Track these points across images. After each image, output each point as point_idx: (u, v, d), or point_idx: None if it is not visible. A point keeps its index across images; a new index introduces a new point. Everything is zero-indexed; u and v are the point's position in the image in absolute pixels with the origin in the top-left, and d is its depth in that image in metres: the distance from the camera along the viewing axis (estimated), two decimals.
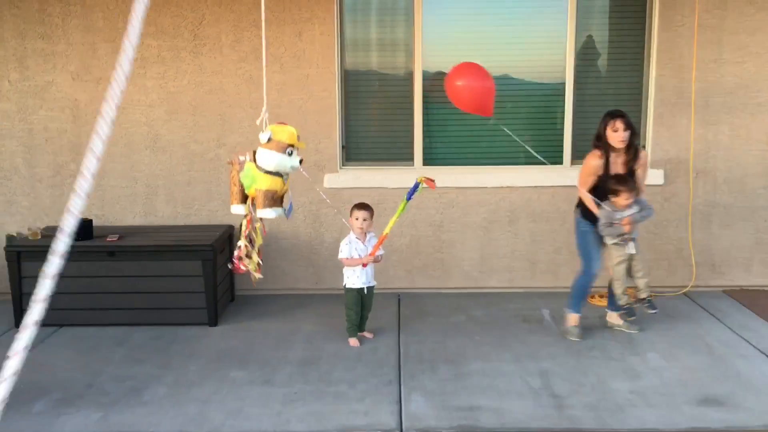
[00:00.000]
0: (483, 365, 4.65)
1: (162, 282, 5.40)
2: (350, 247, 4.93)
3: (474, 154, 6.24)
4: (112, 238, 5.46)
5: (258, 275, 3.61)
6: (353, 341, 5.01)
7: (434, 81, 6.11)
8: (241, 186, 3.49)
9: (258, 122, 3.45)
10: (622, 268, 5.03)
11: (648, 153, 6.10)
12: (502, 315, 5.66)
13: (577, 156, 6.16)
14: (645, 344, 4.98)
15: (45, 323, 5.43)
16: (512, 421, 3.89)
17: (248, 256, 3.51)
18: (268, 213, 3.35)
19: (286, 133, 3.29)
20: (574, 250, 6.18)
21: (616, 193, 4.83)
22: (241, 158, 3.46)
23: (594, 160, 4.91)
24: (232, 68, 5.95)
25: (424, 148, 6.18)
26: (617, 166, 4.91)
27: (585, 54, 6.13)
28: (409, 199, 4.76)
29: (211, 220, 6.12)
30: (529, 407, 4.05)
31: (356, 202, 5.12)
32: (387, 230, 4.80)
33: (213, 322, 5.44)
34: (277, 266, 6.21)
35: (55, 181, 6.06)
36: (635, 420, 3.88)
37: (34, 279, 5.39)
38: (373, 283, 5.05)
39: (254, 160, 3.43)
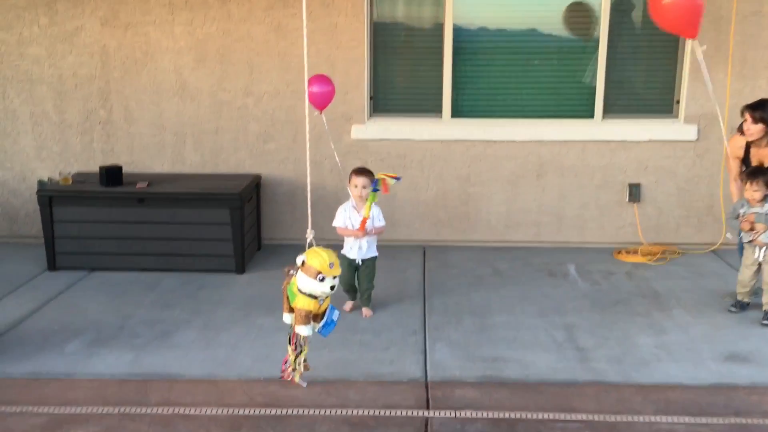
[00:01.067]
0: (508, 318, 4.68)
1: (190, 229, 5.46)
2: (345, 216, 4.66)
3: (503, 106, 6.16)
4: (141, 185, 5.51)
5: (302, 384, 3.62)
6: (346, 305, 4.81)
7: (465, 32, 6.00)
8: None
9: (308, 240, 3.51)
10: (749, 272, 4.64)
11: (682, 108, 5.97)
12: (527, 269, 5.66)
13: (609, 110, 6.06)
14: (671, 300, 4.95)
15: (76, 267, 5.56)
16: (536, 372, 3.92)
17: (296, 360, 3.57)
18: (302, 330, 3.42)
19: (317, 260, 3.28)
20: (602, 205, 6.16)
21: (744, 182, 4.54)
22: (291, 272, 3.47)
23: (732, 141, 4.76)
24: (260, 15, 5.89)
25: (453, 100, 6.10)
26: (756, 158, 4.67)
27: (620, 5, 5.96)
28: (374, 191, 4.56)
29: (239, 169, 6.14)
30: (553, 359, 4.07)
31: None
32: (366, 213, 4.54)
33: (240, 269, 5.50)
34: (304, 216, 6.23)
35: (85, 128, 6.10)
36: (660, 374, 3.90)
37: (65, 223, 5.54)
38: (369, 255, 4.70)
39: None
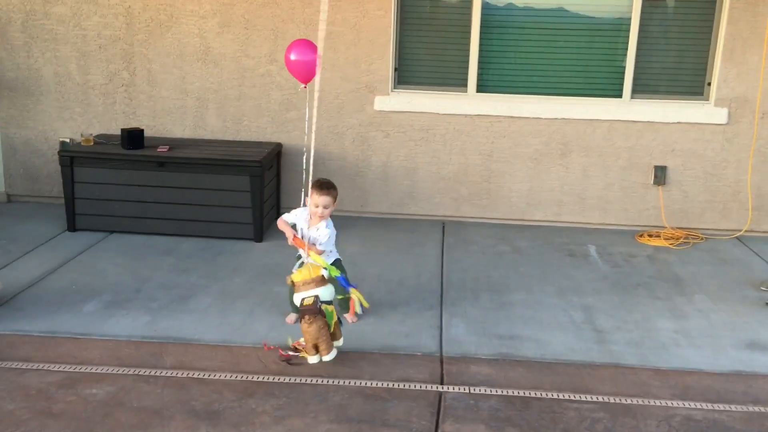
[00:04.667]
0: (526, 296, 4.63)
1: (210, 195, 5.45)
2: (295, 218, 3.95)
3: (529, 82, 6.05)
4: (162, 149, 5.50)
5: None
6: (289, 317, 4.17)
7: (493, 7, 5.88)
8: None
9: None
10: None
11: (713, 90, 5.85)
12: (547, 248, 5.60)
13: (638, 90, 5.94)
14: (693, 286, 4.88)
15: (96, 229, 5.60)
16: (553, 352, 3.88)
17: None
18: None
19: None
20: (626, 186, 6.06)
21: None
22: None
23: None
24: None
25: (479, 75, 6.00)
26: None
27: None
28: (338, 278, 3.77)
29: (260, 137, 6.11)
30: (571, 340, 4.03)
31: (319, 180, 3.97)
32: (321, 263, 3.74)
33: (258, 237, 5.49)
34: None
35: (108, 89, 6.08)
36: (678, 359, 3.84)
37: (85, 184, 5.54)
38: (330, 260, 4.00)
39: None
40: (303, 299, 3.60)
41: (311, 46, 4.29)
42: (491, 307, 4.46)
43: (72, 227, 5.52)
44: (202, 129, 6.13)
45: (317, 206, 3.90)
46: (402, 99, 6.00)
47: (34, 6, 5.93)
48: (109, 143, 5.64)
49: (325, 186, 3.95)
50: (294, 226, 3.93)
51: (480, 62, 5.98)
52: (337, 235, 4.11)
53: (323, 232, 3.95)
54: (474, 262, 5.25)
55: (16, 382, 3.40)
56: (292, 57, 4.31)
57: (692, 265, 5.27)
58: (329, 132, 6.04)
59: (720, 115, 5.83)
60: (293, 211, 4.01)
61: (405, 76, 6.10)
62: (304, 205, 3.99)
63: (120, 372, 3.52)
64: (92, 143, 5.59)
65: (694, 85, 5.96)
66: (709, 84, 5.90)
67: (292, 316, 4.17)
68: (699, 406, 3.39)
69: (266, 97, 6.04)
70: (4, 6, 5.93)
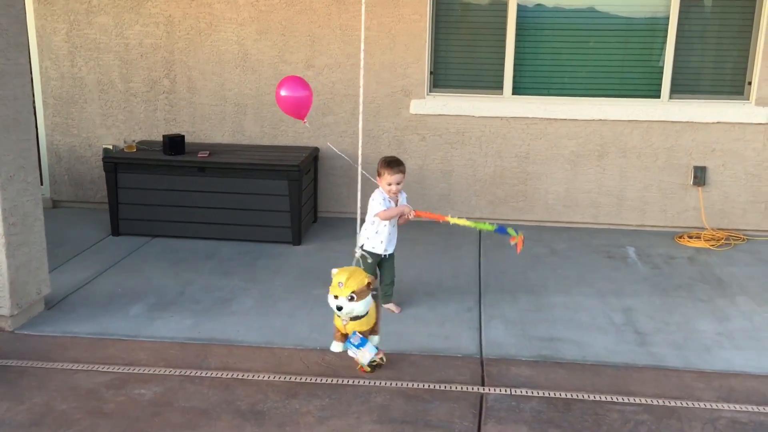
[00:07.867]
0: (564, 298, 4.62)
1: (249, 199, 5.53)
2: (386, 202, 4.18)
3: (565, 84, 6.03)
4: (203, 155, 5.60)
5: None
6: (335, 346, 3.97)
7: (528, 9, 5.88)
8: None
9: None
10: None
11: (754, 89, 5.77)
12: (585, 250, 5.57)
13: (676, 90, 5.88)
14: (735, 287, 4.82)
15: (139, 233, 5.70)
16: (593, 354, 3.87)
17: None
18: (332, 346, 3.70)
19: (334, 278, 3.49)
20: (665, 188, 6.01)
21: None
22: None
23: None
24: None
25: (514, 77, 6.00)
26: None
27: None
28: (496, 230, 4.00)
29: (297, 142, 6.18)
30: (611, 342, 4.01)
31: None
32: (450, 220, 4.03)
33: (297, 241, 5.56)
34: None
35: (149, 96, 6.22)
36: (721, 361, 3.80)
37: (129, 190, 5.66)
38: (393, 248, 4.33)
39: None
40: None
41: (301, 82, 4.10)
42: (530, 308, 4.46)
43: (116, 232, 5.65)
44: (241, 134, 6.23)
45: (390, 184, 4.12)
46: (438, 102, 6.02)
47: (78, 16, 6.09)
48: (151, 149, 5.76)
49: (394, 164, 4.14)
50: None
51: (515, 64, 5.98)
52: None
53: (402, 197, 4.28)
54: (511, 264, 5.25)
55: (68, 383, 3.49)
56: (283, 93, 4.04)
57: (734, 267, 5.21)
58: (366, 135, 6.08)
59: (761, 115, 5.75)
60: (375, 199, 4.17)
61: (440, 79, 6.13)
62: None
63: (167, 373, 3.60)
64: (135, 149, 5.72)
65: (733, 85, 5.89)
66: (750, 83, 5.82)
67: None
68: (744, 409, 3.36)
69: None
70: (49, 17, 6.10)
